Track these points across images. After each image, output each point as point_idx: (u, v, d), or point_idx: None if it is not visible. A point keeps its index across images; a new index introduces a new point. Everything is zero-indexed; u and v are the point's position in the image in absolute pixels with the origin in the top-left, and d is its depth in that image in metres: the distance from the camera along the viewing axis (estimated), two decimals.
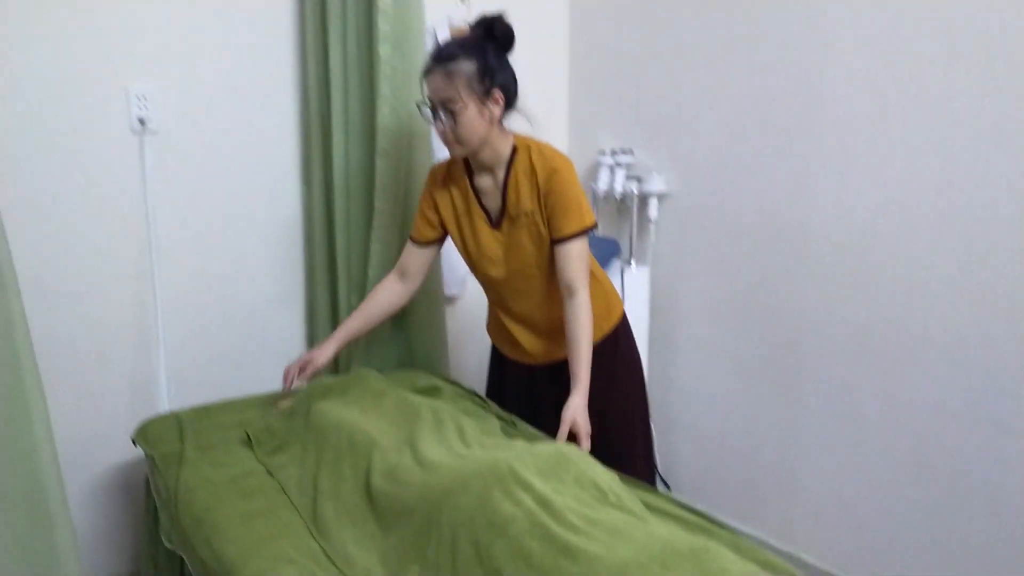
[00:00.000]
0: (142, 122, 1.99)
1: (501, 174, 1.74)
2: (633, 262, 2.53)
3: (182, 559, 1.52)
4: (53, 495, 1.56)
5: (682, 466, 2.54)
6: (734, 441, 2.37)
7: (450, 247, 1.92)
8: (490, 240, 1.79)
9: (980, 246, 1.77)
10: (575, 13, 2.70)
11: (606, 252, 2.50)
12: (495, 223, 1.78)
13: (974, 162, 1.76)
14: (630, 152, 2.52)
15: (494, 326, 1.96)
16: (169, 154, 2.05)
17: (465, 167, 1.80)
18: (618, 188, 2.50)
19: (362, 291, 2.12)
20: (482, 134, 1.68)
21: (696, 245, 2.41)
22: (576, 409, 1.61)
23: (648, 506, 1.36)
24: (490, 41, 1.67)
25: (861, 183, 1.96)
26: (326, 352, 1.89)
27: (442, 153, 1.88)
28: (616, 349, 1.87)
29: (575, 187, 1.70)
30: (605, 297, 1.86)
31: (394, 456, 1.49)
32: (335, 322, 2.20)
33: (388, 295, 1.92)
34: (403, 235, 2.06)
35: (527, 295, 1.81)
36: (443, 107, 1.65)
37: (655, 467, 2.02)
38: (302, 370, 1.88)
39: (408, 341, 2.21)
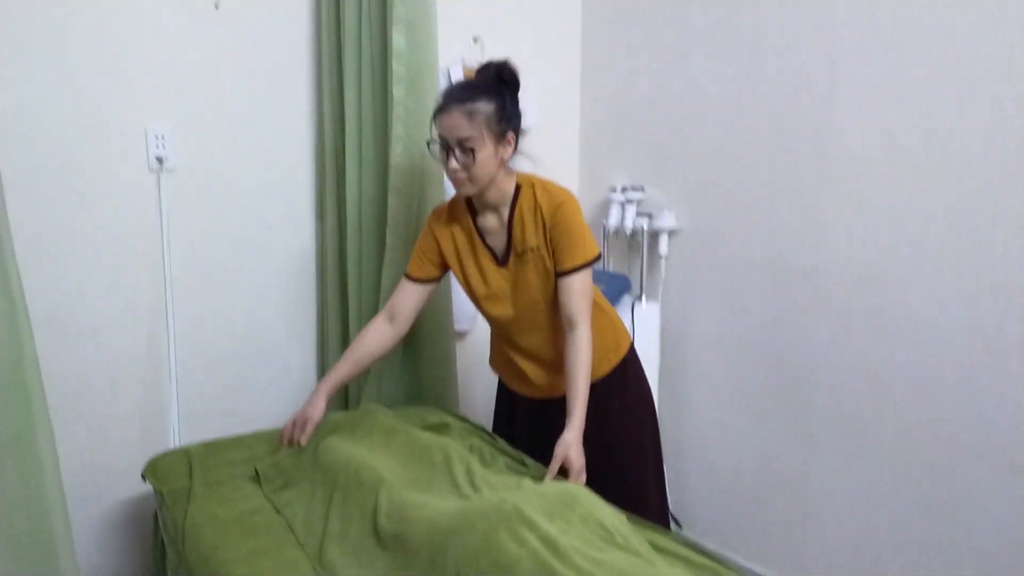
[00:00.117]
0: (160, 160, 2.03)
1: (506, 212, 1.76)
2: (644, 298, 2.53)
3: None
4: (59, 533, 1.57)
5: (693, 502, 2.51)
6: (746, 478, 2.35)
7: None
8: (498, 278, 1.80)
9: (990, 284, 1.76)
10: (587, 50, 2.74)
11: (617, 288, 2.51)
12: (501, 261, 1.80)
13: (984, 201, 1.76)
14: (641, 189, 2.53)
15: (500, 361, 1.96)
16: (185, 191, 2.09)
17: (468, 207, 1.82)
18: (628, 224, 2.51)
19: None
20: (493, 174, 1.70)
21: (706, 281, 2.41)
22: (569, 444, 1.60)
23: (655, 547, 1.34)
24: (504, 85, 1.70)
25: (871, 221, 1.97)
26: (319, 406, 1.81)
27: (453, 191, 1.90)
28: (625, 380, 1.87)
29: (579, 221, 1.71)
30: (612, 330, 1.86)
31: (402, 495, 1.48)
32: None
33: (377, 339, 1.87)
34: None
35: (535, 330, 1.82)
36: (460, 145, 1.65)
37: (666, 501, 2.00)
38: (302, 430, 1.79)
39: (418, 375, 2.21)
